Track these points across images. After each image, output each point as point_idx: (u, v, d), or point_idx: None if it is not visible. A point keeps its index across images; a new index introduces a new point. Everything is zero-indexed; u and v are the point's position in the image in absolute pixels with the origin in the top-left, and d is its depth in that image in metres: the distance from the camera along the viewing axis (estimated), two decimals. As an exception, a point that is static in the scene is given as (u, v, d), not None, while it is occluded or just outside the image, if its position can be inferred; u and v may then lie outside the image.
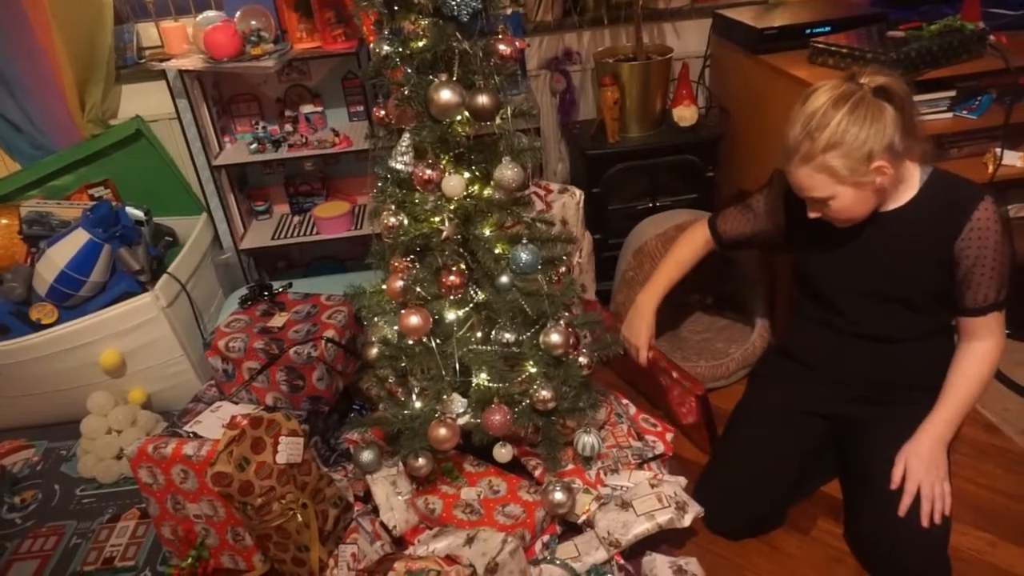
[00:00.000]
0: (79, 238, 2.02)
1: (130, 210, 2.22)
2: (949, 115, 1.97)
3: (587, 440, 1.59)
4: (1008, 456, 1.74)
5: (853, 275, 1.49)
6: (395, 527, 1.57)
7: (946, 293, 1.42)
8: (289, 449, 1.47)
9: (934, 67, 1.83)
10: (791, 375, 1.66)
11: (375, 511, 1.61)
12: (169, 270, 2.11)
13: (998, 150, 1.97)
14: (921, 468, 1.40)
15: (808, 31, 2.08)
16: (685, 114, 2.29)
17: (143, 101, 2.42)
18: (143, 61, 2.39)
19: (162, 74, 2.16)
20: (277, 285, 2.05)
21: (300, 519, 1.47)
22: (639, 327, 1.78)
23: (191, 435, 1.67)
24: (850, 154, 1.28)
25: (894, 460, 1.44)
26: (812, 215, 1.41)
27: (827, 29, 2.08)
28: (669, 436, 1.77)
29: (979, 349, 1.43)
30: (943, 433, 1.43)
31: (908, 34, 1.88)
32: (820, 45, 1.95)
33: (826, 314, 1.57)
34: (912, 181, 1.40)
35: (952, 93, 1.94)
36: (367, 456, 1.62)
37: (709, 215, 1.78)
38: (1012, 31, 1.96)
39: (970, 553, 1.51)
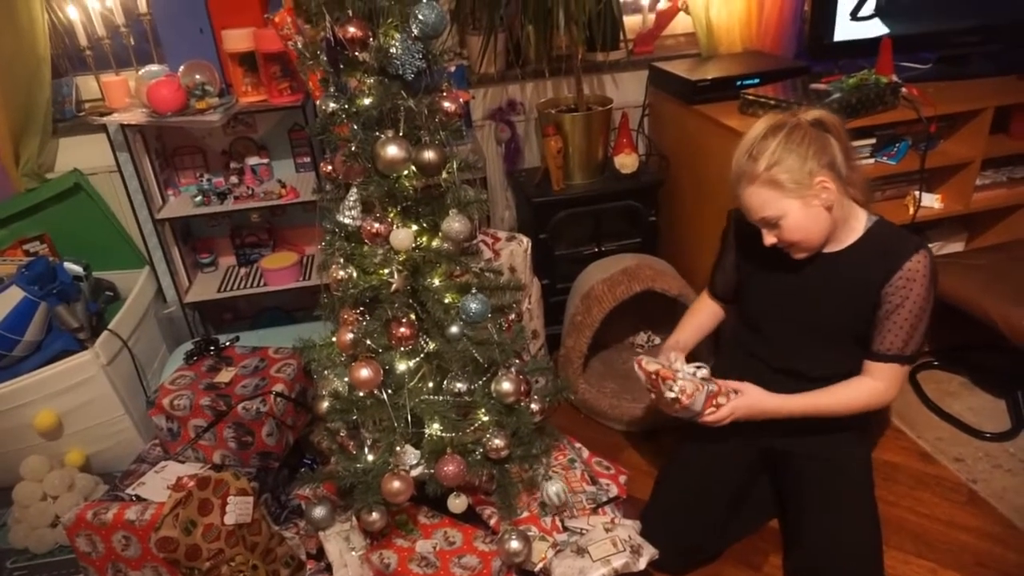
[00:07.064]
0: (13, 296, 1.95)
1: (68, 265, 2.16)
2: (871, 161, 2.10)
3: (552, 489, 1.58)
4: (944, 484, 1.82)
5: (787, 306, 1.53)
6: (349, 585, 1.54)
7: (866, 337, 1.46)
8: (238, 509, 1.43)
9: (854, 117, 1.95)
10: None
11: (328, 569, 1.58)
12: (110, 326, 2.05)
13: (917, 193, 2.10)
14: (741, 409, 1.44)
15: (738, 83, 2.19)
16: (626, 161, 2.37)
17: (82, 154, 2.38)
18: (82, 115, 2.35)
19: (102, 127, 2.14)
20: (224, 339, 2.01)
21: (250, 582, 1.43)
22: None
23: (134, 498, 1.61)
24: (792, 169, 1.32)
25: (826, 491, 1.50)
26: (768, 241, 1.41)
27: (756, 81, 2.19)
28: (623, 479, 1.78)
29: (866, 384, 1.45)
30: (774, 410, 1.47)
31: (829, 86, 2.00)
32: (750, 96, 2.06)
33: (754, 344, 1.61)
34: (857, 226, 1.43)
35: (873, 140, 2.07)
36: (319, 512, 1.59)
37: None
38: (922, 83, 2.11)
39: (913, 581, 1.57)
